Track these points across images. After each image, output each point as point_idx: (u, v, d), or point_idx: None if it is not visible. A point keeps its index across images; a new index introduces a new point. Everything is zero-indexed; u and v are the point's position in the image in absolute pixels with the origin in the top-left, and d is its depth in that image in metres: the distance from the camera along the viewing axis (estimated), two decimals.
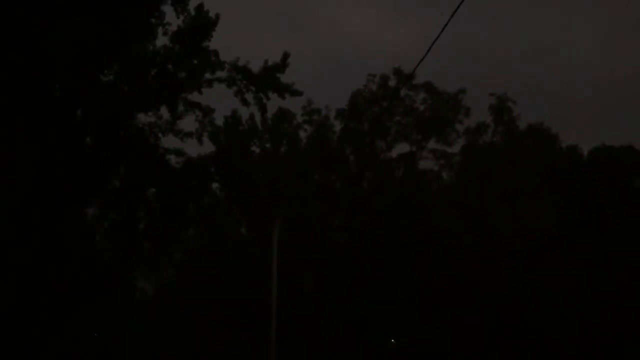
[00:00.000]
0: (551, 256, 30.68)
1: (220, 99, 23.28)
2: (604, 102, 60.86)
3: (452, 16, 10.26)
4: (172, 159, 21.95)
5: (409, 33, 75.95)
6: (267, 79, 21.93)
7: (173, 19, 20.75)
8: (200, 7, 20.88)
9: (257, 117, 29.56)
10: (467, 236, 29.88)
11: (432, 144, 33.30)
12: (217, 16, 21.12)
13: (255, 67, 22.04)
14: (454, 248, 30.06)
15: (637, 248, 31.59)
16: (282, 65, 21.91)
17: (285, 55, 21.96)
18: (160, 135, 21.73)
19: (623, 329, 30.42)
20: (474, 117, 33.35)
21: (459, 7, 10.03)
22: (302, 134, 34.51)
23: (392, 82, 33.08)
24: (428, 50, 11.29)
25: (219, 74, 21.86)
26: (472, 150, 33.49)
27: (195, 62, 21.48)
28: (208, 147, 23.50)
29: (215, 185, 24.73)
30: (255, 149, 33.50)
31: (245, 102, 22.42)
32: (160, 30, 20.71)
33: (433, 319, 30.31)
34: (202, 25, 20.93)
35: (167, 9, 20.59)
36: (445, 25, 10.44)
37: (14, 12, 17.12)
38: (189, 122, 22.22)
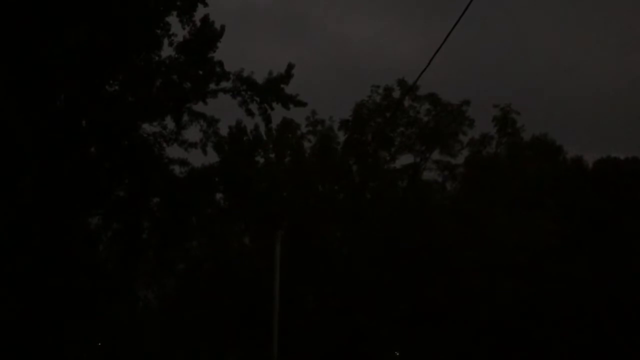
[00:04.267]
0: (555, 268, 30.57)
1: (224, 110, 23.33)
2: (609, 113, 60.80)
3: (453, 27, 10.28)
4: (176, 169, 21.98)
5: (415, 44, 76.11)
6: (272, 90, 21.98)
7: (179, 30, 20.86)
8: (205, 19, 20.96)
9: (262, 128, 29.58)
10: (471, 247, 29.81)
11: (436, 155, 33.34)
12: (222, 27, 21.21)
13: (260, 77, 22.12)
14: (457, 259, 29.97)
15: None
16: (286, 76, 21.97)
17: (290, 67, 22.02)
18: (164, 145, 21.79)
19: (629, 340, 30.29)
20: (478, 128, 33.42)
21: (460, 18, 10.06)
22: (306, 145, 34.58)
23: (396, 94, 33.17)
24: (430, 61, 11.31)
25: (224, 84, 21.94)
26: (476, 162, 33.46)
27: (201, 72, 21.54)
28: (212, 157, 23.50)
29: (219, 195, 24.73)
30: (260, 159, 33.51)
31: (249, 113, 22.46)
32: (165, 41, 20.80)
33: (436, 331, 30.19)
34: (207, 36, 21.01)
35: (173, 20, 20.69)
36: (447, 36, 10.46)
37: (19, 23, 17.22)
38: (193, 132, 22.28)
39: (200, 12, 20.77)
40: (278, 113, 23.24)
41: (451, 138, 32.94)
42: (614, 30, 76.65)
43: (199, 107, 22.00)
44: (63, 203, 18.79)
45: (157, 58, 20.99)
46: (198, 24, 20.90)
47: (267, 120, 22.67)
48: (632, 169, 37.09)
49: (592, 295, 30.72)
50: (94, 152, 21.01)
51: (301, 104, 22.52)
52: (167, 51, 20.99)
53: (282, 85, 21.97)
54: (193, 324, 32.89)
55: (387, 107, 33.32)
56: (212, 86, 21.79)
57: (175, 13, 20.57)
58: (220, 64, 21.61)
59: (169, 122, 21.67)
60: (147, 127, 21.48)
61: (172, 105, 21.42)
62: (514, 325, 30.06)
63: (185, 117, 21.91)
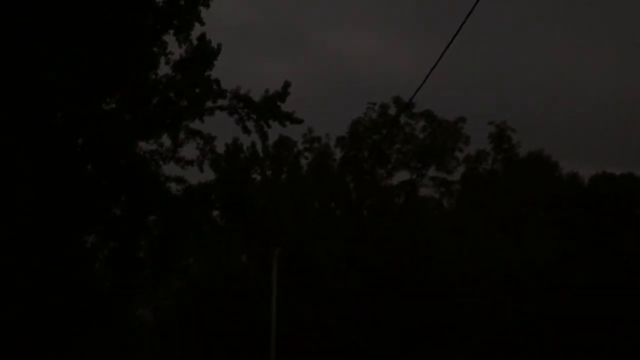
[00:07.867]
0: (553, 284, 30.56)
1: (221, 127, 23.42)
2: (604, 129, 61.10)
3: (449, 44, 10.40)
4: (173, 186, 21.96)
5: (412, 59, 76.43)
6: (268, 108, 22.08)
7: (176, 49, 20.98)
8: (202, 37, 21.10)
9: (258, 145, 29.72)
10: (468, 264, 29.82)
11: (432, 171, 33.48)
12: (219, 46, 21.34)
13: (257, 93, 22.24)
14: (454, 276, 29.96)
15: (638, 275, 31.51)
16: (282, 94, 22.09)
17: (286, 84, 22.15)
18: (161, 163, 21.78)
19: (629, 356, 30.21)
20: (473, 145, 33.59)
21: (456, 34, 10.18)
22: (303, 162, 34.72)
23: (392, 111, 33.38)
24: (426, 78, 11.45)
25: (221, 102, 22.01)
26: (472, 178, 33.58)
27: (197, 90, 21.64)
28: (209, 175, 23.51)
29: (215, 213, 24.71)
30: (256, 177, 33.58)
31: (246, 130, 22.53)
32: (162, 59, 20.91)
33: (433, 347, 30.09)
34: (204, 54, 21.14)
35: (170, 38, 20.80)
36: (443, 53, 10.59)
37: (14, 42, 17.30)
38: (190, 150, 22.32)
39: (197, 30, 20.91)
40: (274, 130, 23.35)
41: (447, 155, 33.09)
42: (611, 46, 77.22)
43: (195, 124, 22.08)
44: (59, 221, 18.76)
45: (154, 76, 21.09)
46: (195, 42, 21.03)
47: (264, 137, 22.74)
48: (628, 185, 37.25)
49: (590, 311, 30.68)
50: (90, 170, 21.02)
51: (298, 121, 22.61)
52: (164, 69, 21.12)
53: (278, 103, 22.09)
54: (190, 341, 32.74)
55: (383, 124, 33.51)
56: (209, 104, 21.88)
57: (172, 32, 20.69)
58: (217, 82, 21.73)
59: (166, 140, 21.72)
60: (144, 145, 21.52)
61: (169, 123, 21.49)
62: (512, 342, 29.98)
63: (182, 135, 21.97)
